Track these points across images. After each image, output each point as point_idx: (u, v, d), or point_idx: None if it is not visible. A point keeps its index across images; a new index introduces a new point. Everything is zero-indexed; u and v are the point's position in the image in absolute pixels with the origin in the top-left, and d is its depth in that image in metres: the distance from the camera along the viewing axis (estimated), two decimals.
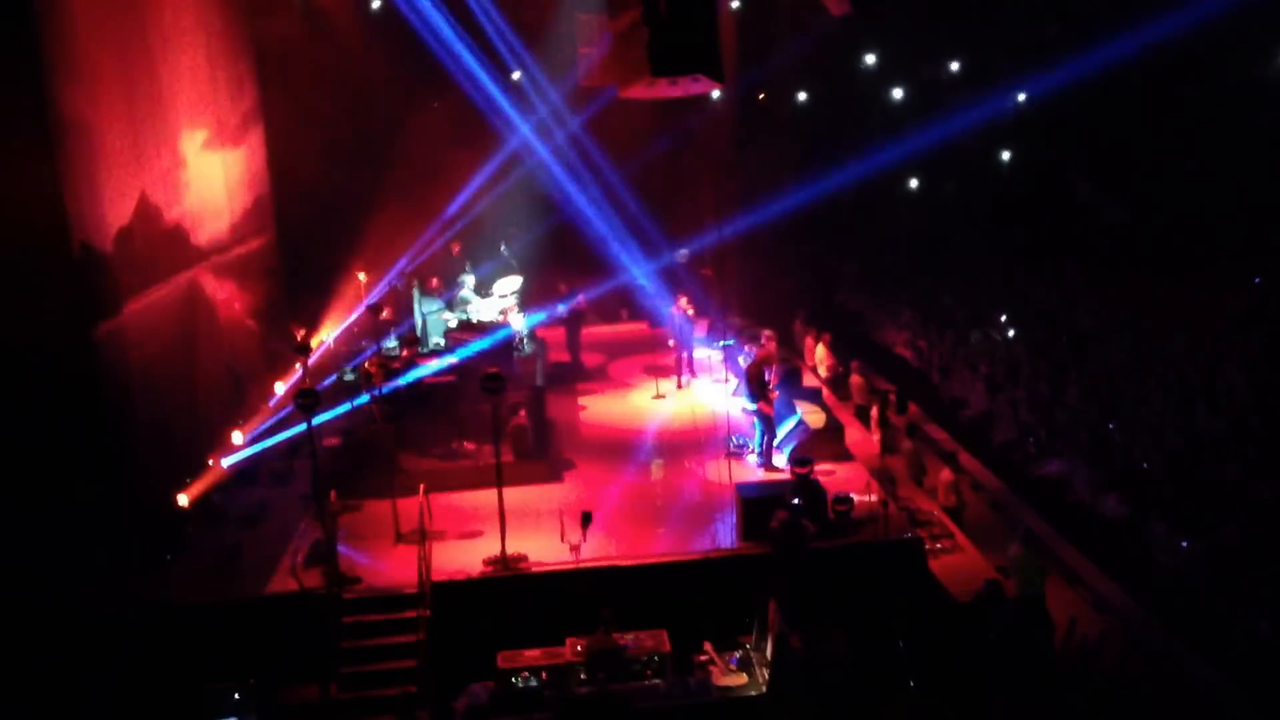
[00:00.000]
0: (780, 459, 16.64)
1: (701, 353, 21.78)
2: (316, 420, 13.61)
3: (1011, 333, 22.86)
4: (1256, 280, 22.04)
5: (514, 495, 14.47)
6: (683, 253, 26.00)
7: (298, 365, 15.12)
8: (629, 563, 13.58)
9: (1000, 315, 23.61)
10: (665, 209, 26.08)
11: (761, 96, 28.72)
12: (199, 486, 15.39)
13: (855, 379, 20.38)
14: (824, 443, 16.81)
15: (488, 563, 13.52)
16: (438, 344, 19.38)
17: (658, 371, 21.21)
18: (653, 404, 20.05)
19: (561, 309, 23.19)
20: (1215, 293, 21.99)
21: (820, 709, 11.78)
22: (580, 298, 23.09)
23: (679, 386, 20.77)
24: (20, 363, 13.48)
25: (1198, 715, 12.47)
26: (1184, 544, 14.55)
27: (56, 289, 13.56)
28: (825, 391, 20.08)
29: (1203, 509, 15.07)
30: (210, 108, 19.10)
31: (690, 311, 20.95)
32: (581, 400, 20.50)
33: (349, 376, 18.75)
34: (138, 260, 15.40)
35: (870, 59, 29.38)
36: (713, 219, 24.94)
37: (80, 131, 13.95)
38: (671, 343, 21.13)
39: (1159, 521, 15.17)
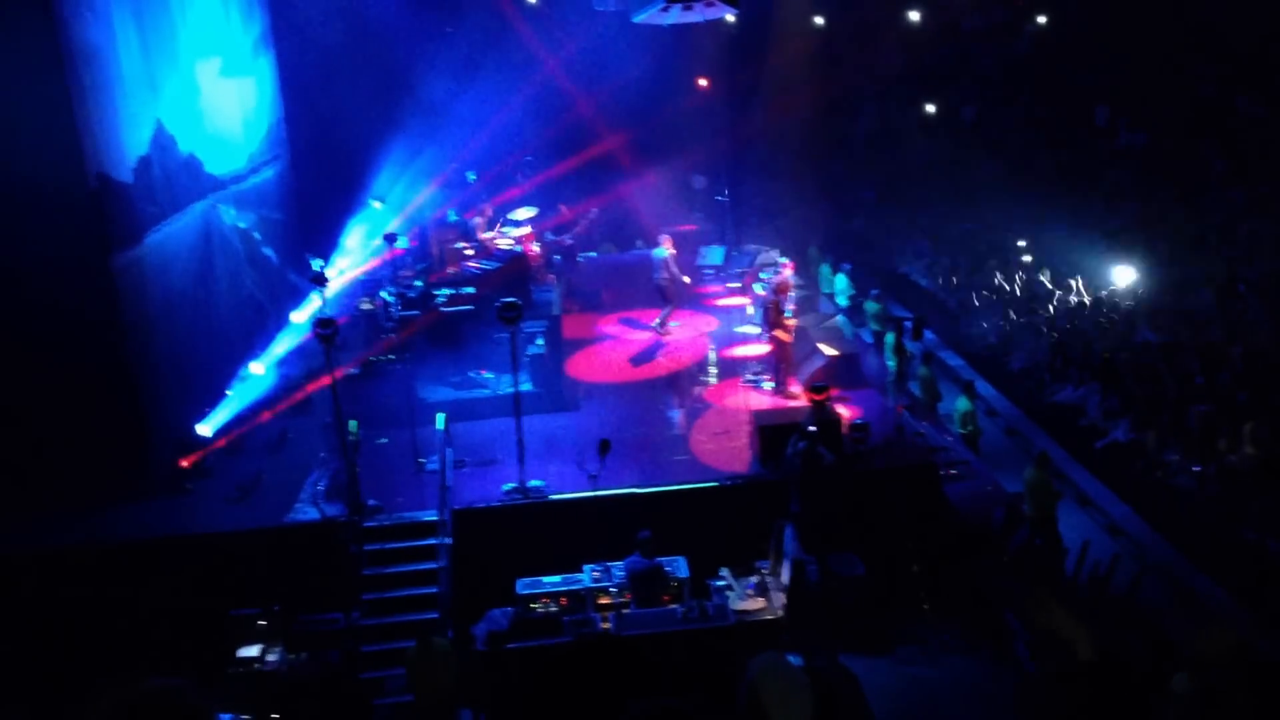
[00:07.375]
0: (796, 388, 16.66)
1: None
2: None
3: (1027, 259, 22.75)
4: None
5: (532, 424, 14.53)
6: (699, 179, 25.80)
7: (316, 295, 15.14)
8: (647, 490, 13.67)
9: (1017, 241, 23.49)
10: (681, 136, 25.79)
11: None
12: (219, 417, 15.55)
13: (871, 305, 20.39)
14: (840, 370, 16.81)
15: (507, 491, 13.65)
16: (454, 273, 19.35)
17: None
18: (666, 334, 19.89)
19: (556, 238, 22.86)
20: (1230, 216, 21.82)
21: (836, 633, 11.95)
22: (567, 237, 22.64)
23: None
24: (40, 295, 13.55)
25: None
26: (1195, 468, 14.62)
27: (74, 220, 13.57)
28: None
29: (1214, 433, 15.10)
30: (222, 34, 18.95)
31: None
32: (601, 329, 20.36)
33: (366, 306, 18.78)
34: (155, 190, 15.40)
35: None
36: (729, 145, 24.73)
37: (92, 59, 13.86)
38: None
39: (1171, 445, 15.23)
